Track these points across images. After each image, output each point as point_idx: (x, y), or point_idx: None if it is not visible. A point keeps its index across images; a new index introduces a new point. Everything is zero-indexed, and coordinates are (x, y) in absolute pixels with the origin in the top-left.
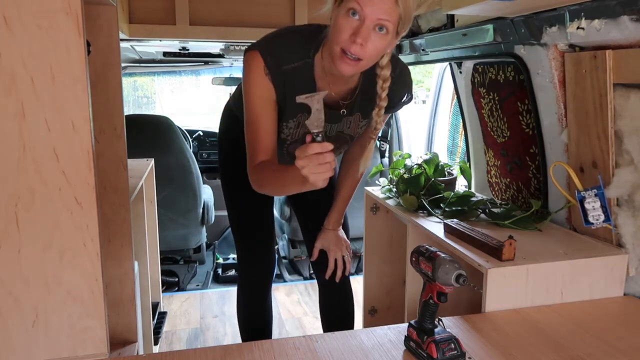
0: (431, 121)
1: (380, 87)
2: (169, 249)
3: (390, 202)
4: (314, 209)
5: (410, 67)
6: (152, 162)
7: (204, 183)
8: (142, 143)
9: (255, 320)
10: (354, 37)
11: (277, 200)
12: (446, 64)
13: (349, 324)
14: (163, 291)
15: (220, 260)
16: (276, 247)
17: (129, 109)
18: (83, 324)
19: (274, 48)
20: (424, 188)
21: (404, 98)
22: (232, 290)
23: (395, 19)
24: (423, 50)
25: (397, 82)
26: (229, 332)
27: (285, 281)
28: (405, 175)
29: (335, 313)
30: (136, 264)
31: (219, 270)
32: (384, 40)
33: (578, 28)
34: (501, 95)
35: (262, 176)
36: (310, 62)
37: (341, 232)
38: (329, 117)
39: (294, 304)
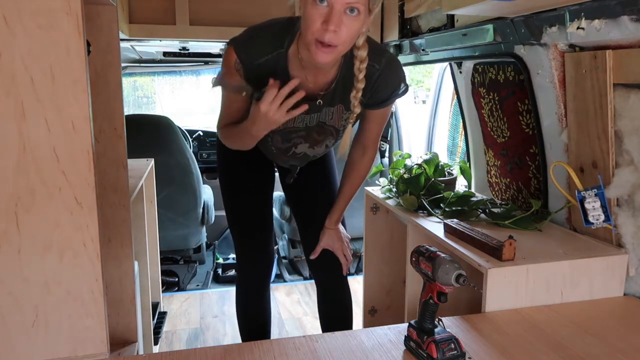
0: (431, 121)
1: (357, 69)
2: (169, 249)
3: (390, 202)
4: (311, 209)
5: (410, 67)
6: (152, 162)
7: (204, 183)
8: (142, 143)
9: (254, 319)
10: (325, 25)
11: (277, 200)
12: (446, 64)
13: (347, 324)
14: (163, 291)
15: (220, 260)
16: (276, 247)
17: (129, 109)
18: (83, 324)
19: (247, 43)
20: (424, 188)
21: (397, 90)
22: (232, 290)
23: None
24: (423, 50)
25: (385, 73)
26: (229, 332)
27: (285, 281)
28: (405, 175)
29: (334, 313)
30: (136, 264)
31: (219, 270)
32: (357, 22)
33: (578, 28)
34: (501, 95)
35: (226, 132)
36: (284, 53)
37: (341, 228)
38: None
39: (294, 304)
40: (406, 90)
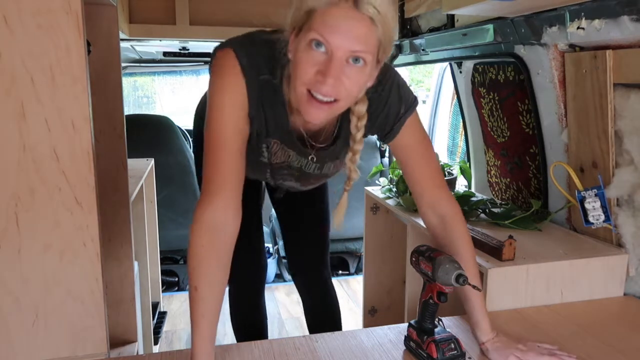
0: (431, 121)
1: (354, 127)
2: (169, 249)
3: (390, 202)
4: (298, 220)
5: (410, 67)
6: (152, 162)
7: None
8: (142, 143)
9: (249, 330)
10: (322, 77)
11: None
12: (446, 63)
13: (336, 324)
14: (163, 291)
15: None
16: (276, 247)
17: (129, 109)
18: (83, 324)
19: (249, 50)
20: None
21: (404, 110)
22: None
23: (373, 45)
24: (423, 50)
25: (390, 101)
26: (229, 332)
27: (285, 281)
28: None
29: (320, 317)
30: (136, 264)
31: None
32: (362, 74)
33: (578, 28)
34: (501, 95)
35: (198, 271)
36: (278, 83)
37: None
38: (301, 159)
39: (294, 304)
40: (414, 103)
